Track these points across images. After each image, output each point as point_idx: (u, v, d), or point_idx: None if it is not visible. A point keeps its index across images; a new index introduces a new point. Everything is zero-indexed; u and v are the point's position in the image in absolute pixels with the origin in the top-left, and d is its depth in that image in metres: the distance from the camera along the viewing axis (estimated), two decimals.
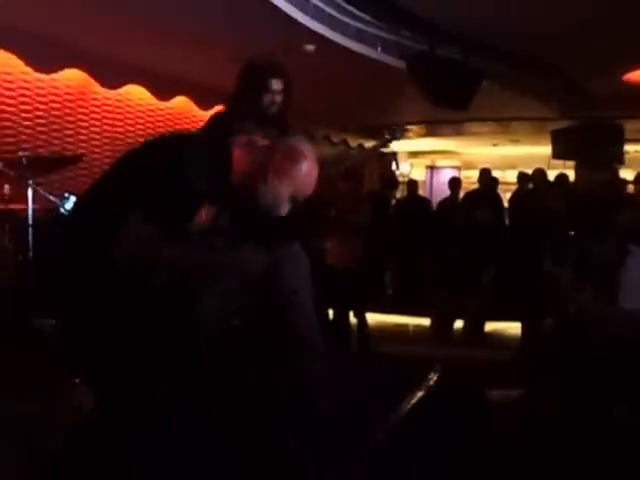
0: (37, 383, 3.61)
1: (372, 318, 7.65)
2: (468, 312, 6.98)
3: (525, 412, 3.73)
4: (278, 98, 4.14)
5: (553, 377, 4.00)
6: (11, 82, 7.42)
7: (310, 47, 7.46)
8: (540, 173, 8.64)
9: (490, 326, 7.86)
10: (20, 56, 7.24)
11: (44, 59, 7.39)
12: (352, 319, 6.83)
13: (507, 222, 8.45)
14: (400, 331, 8.21)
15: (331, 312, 6.71)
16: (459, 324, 7.58)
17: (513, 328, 7.53)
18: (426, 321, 7.96)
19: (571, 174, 10.43)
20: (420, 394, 4.71)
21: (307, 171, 2.65)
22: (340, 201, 6.80)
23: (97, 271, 2.52)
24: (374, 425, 3.97)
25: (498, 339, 7.65)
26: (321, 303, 6.01)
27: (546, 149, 12.07)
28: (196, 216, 2.60)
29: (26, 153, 5.83)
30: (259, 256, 2.69)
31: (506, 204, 9.13)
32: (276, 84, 4.13)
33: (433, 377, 5.08)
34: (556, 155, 11.71)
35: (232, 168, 2.62)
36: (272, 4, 6.30)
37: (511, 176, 11.98)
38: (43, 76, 7.67)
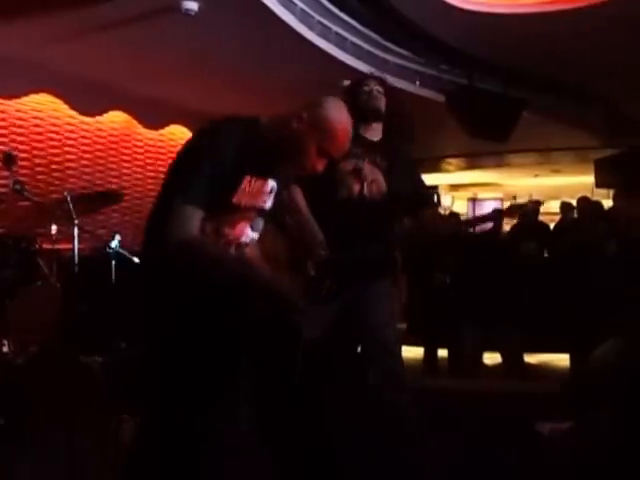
0: (84, 417, 3.64)
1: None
2: (504, 345, 6.89)
3: (575, 444, 3.66)
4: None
5: (604, 408, 3.91)
6: (58, 126, 7.61)
7: (347, 82, 7.50)
8: (584, 202, 8.53)
9: (536, 358, 7.74)
10: (65, 100, 7.44)
11: (88, 103, 7.59)
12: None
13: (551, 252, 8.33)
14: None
15: None
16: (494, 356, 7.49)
17: (561, 360, 7.40)
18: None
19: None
20: (465, 427, 4.65)
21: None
22: None
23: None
24: (420, 458, 3.92)
25: (544, 371, 7.52)
26: None
27: (589, 178, 11.94)
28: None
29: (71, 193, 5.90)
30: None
31: None
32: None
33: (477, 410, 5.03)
34: (599, 184, 11.57)
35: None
36: (311, 42, 6.39)
37: (554, 206, 11.85)
38: (88, 119, 7.86)
